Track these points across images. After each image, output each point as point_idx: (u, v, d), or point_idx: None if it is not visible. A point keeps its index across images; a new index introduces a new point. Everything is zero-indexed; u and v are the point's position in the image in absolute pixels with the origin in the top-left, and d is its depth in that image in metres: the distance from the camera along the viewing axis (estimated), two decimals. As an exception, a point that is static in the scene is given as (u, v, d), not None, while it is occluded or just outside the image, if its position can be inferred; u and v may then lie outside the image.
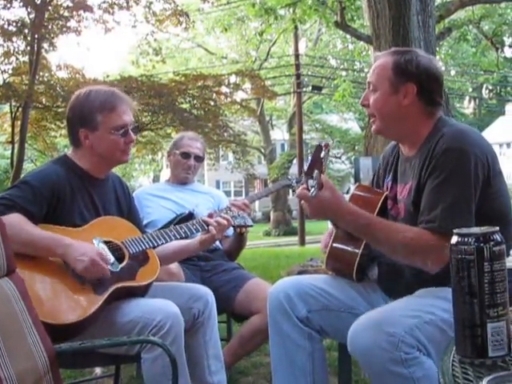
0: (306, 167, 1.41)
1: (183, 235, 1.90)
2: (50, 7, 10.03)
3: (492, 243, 0.86)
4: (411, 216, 1.53)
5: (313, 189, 1.39)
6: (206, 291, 1.93)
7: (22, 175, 7.94)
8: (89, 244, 1.68)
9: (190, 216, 2.36)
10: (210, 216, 1.95)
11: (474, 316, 0.85)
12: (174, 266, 2.13)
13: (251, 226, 2.15)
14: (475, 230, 0.89)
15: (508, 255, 0.92)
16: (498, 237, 0.87)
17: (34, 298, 1.45)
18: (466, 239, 0.87)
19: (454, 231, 0.90)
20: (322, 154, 1.38)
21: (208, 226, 1.91)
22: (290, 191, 20.68)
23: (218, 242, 2.48)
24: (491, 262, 0.85)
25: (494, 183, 1.49)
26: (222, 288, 2.29)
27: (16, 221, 1.60)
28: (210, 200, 2.58)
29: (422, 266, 1.46)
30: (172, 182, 2.65)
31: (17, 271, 1.41)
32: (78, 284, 1.63)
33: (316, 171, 1.38)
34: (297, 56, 16.76)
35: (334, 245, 1.65)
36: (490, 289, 0.85)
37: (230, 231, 2.50)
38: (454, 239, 0.88)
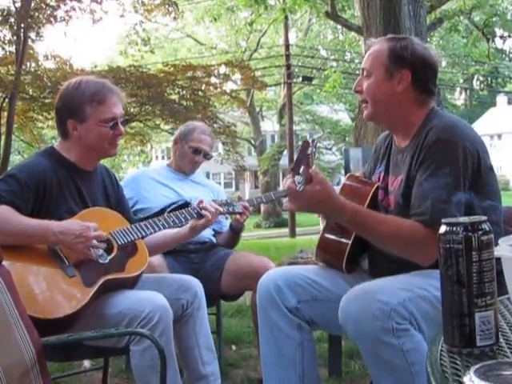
0: (292, 165, 1.40)
1: (172, 224, 1.89)
2: (36, -4, 9.89)
3: (480, 232, 0.85)
4: (401, 208, 1.53)
5: (300, 185, 1.38)
6: (195, 282, 1.93)
7: (9, 167, 7.84)
8: (74, 221, 1.67)
9: (186, 205, 2.35)
10: (201, 202, 1.95)
11: (461, 305, 0.85)
12: (155, 259, 2.12)
13: (240, 212, 2.16)
14: (463, 219, 0.88)
15: (496, 244, 0.92)
16: (486, 226, 0.87)
17: (24, 293, 1.43)
18: (454, 228, 0.86)
19: (443, 221, 0.89)
20: (309, 151, 1.37)
21: (197, 213, 1.91)
22: (280, 181, 20.69)
23: (210, 235, 2.47)
24: (479, 252, 0.85)
25: (484, 176, 1.49)
26: (207, 273, 2.30)
27: (3, 212, 1.59)
28: (210, 194, 2.56)
29: (414, 258, 1.46)
30: (174, 169, 2.60)
31: (3, 264, 1.39)
32: (67, 277, 1.62)
33: (302, 167, 1.37)
34: (287, 46, 16.70)
35: (325, 236, 1.64)
36: (478, 278, 0.85)
37: (225, 227, 2.50)
38: (443, 228, 0.88)
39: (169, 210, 2.32)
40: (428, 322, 1.39)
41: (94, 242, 1.65)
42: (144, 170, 2.84)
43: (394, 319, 1.35)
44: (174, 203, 2.39)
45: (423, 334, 1.40)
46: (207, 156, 2.56)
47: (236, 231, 2.44)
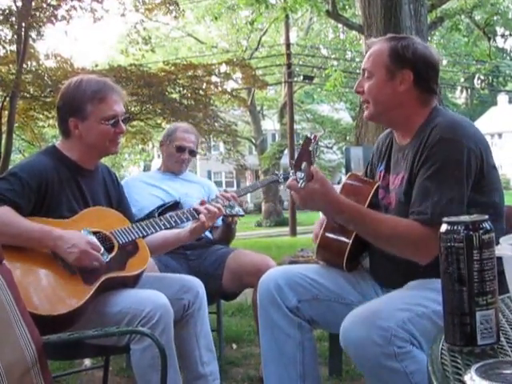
0: (294, 160, 1.40)
1: (173, 224, 1.88)
2: (37, -5, 9.88)
3: (481, 231, 0.85)
4: (402, 206, 1.52)
5: (301, 181, 1.39)
6: (197, 283, 1.93)
7: (10, 166, 7.84)
8: (78, 233, 1.66)
9: (176, 205, 2.35)
10: (202, 203, 1.94)
11: (462, 304, 0.85)
12: None
13: (242, 215, 2.15)
14: (464, 218, 0.88)
15: (497, 243, 0.92)
16: (487, 225, 0.87)
17: (24, 290, 1.43)
18: (455, 227, 0.86)
19: (443, 219, 0.89)
20: (311, 147, 1.37)
21: (198, 214, 1.90)
22: (282, 181, 20.59)
23: (207, 231, 2.47)
24: (480, 250, 0.85)
25: (487, 176, 1.48)
26: (208, 271, 2.31)
27: (4, 213, 1.59)
28: (201, 190, 2.57)
29: (413, 257, 1.46)
30: (164, 171, 2.64)
31: (4, 262, 1.39)
32: (67, 275, 1.62)
33: (304, 163, 1.38)
34: (288, 45, 16.67)
35: (325, 234, 1.64)
36: (479, 277, 0.84)
37: (219, 221, 2.50)
38: (444, 227, 0.88)
39: (159, 211, 2.32)
40: (428, 339, 1.36)
41: (89, 261, 1.63)
42: (133, 176, 2.88)
43: (395, 344, 1.33)
44: (164, 204, 2.39)
45: (425, 351, 1.37)
46: (193, 153, 2.58)
47: (228, 224, 2.44)
